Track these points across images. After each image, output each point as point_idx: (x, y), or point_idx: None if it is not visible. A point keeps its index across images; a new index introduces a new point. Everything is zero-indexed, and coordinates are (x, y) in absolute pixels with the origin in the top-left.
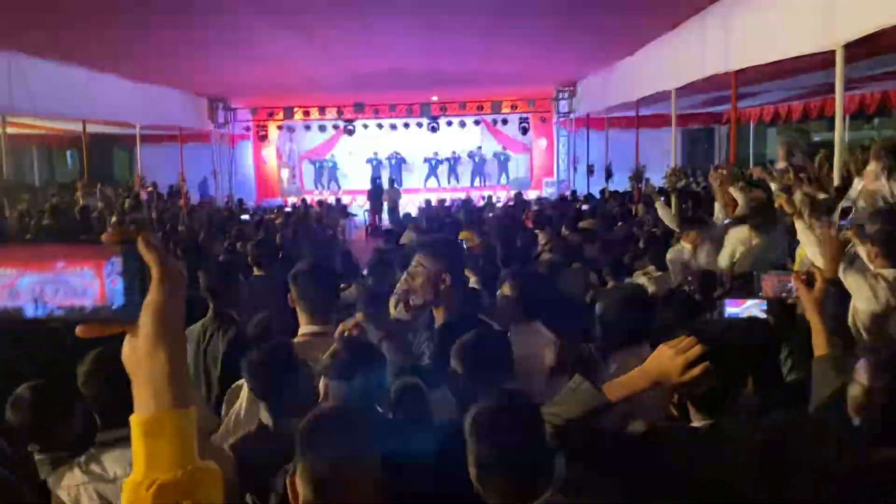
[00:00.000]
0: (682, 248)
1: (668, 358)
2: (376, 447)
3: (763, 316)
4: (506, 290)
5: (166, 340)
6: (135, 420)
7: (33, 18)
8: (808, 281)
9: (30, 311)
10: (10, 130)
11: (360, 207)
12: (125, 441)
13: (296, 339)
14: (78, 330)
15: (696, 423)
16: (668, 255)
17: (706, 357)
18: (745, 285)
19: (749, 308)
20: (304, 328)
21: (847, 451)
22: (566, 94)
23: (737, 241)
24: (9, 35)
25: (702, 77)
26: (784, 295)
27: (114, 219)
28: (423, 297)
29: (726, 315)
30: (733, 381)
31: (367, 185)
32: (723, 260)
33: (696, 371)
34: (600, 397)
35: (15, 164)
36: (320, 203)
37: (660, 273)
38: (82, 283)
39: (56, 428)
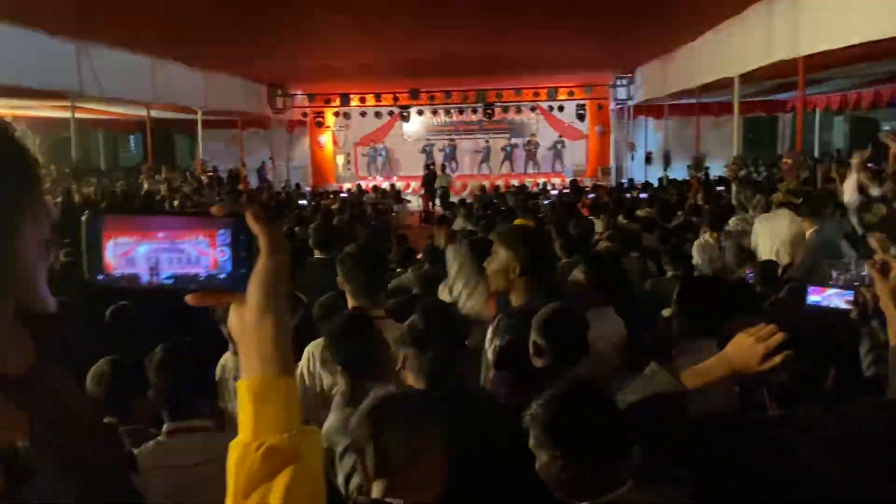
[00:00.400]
0: (706, 241)
1: (749, 346)
2: (442, 429)
3: (846, 306)
4: (578, 274)
5: (274, 310)
6: (244, 385)
7: (101, 6)
8: (883, 269)
9: (145, 278)
10: (77, 115)
11: (413, 194)
12: (190, 432)
13: None
14: (188, 298)
15: (772, 413)
16: (695, 246)
17: (787, 345)
18: (806, 275)
19: (831, 297)
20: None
21: None
22: (624, 81)
23: (774, 233)
24: (78, 24)
25: (768, 62)
26: (856, 284)
27: (176, 202)
28: (494, 285)
29: (809, 302)
30: (813, 372)
31: (422, 172)
32: (764, 252)
33: (777, 360)
34: (678, 385)
35: (82, 148)
36: (374, 189)
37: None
38: (196, 252)
39: (132, 402)
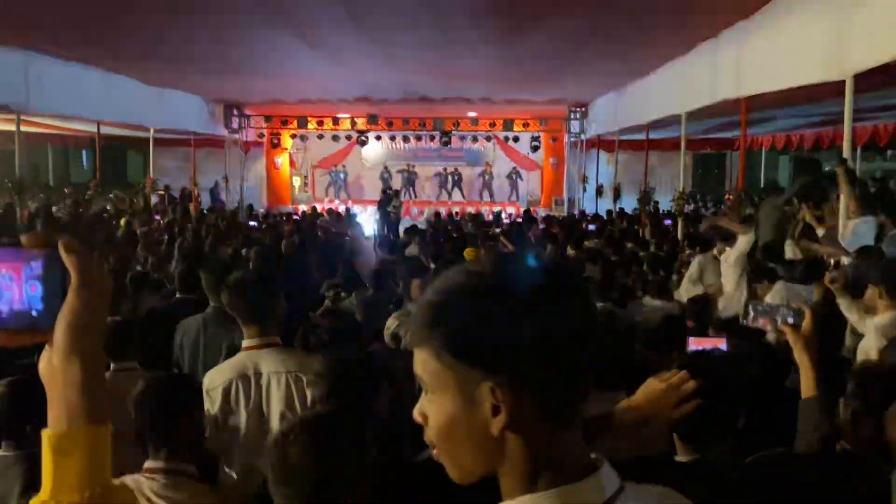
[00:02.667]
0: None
1: (660, 393)
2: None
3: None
4: None
5: (81, 352)
6: (45, 435)
7: (50, 18)
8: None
9: None
10: (25, 129)
11: (370, 217)
12: (164, 474)
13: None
14: None
15: (680, 457)
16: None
17: (700, 393)
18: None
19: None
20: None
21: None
22: (578, 115)
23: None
24: (26, 34)
25: (712, 102)
26: (768, 327)
27: (123, 221)
28: None
29: (689, 351)
30: (724, 415)
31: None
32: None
33: (689, 408)
34: None
35: (30, 162)
36: (330, 212)
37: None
38: None
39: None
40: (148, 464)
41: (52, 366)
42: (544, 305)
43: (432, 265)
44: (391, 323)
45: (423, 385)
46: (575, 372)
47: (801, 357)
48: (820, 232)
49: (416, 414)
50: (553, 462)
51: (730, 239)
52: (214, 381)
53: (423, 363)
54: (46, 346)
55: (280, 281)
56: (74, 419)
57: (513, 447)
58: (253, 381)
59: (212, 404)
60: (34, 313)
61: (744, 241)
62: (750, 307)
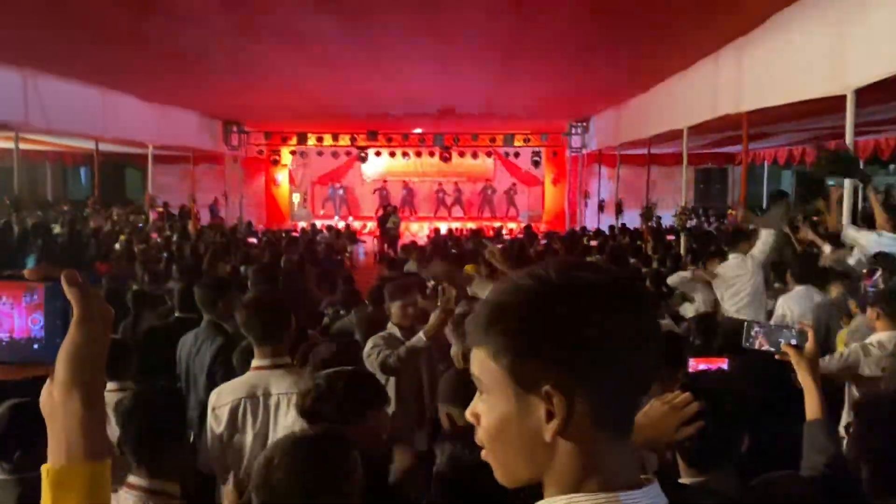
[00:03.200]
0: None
1: (663, 414)
2: None
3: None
4: None
5: (82, 386)
6: (45, 470)
7: (49, 35)
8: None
9: None
10: (23, 146)
11: (370, 235)
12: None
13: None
14: None
15: (684, 480)
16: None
17: (702, 414)
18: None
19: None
20: (255, 360)
21: None
22: (579, 129)
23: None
24: (25, 52)
25: (713, 117)
26: (773, 349)
27: (122, 238)
28: None
29: (690, 370)
30: (728, 437)
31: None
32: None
33: (691, 430)
34: None
35: (28, 179)
36: (329, 228)
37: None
38: None
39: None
40: (131, 479)
41: (53, 399)
42: (607, 310)
43: (431, 282)
44: (368, 346)
45: (478, 385)
46: (632, 380)
47: (804, 379)
48: (826, 249)
49: (469, 414)
50: (602, 471)
51: (722, 255)
52: (222, 399)
53: (481, 363)
54: (48, 380)
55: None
56: (74, 454)
57: (563, 454)
58: (262, 401)
59: (217, 423)
60: (36, 346)
61: (769, 237)
62: (752, 328)
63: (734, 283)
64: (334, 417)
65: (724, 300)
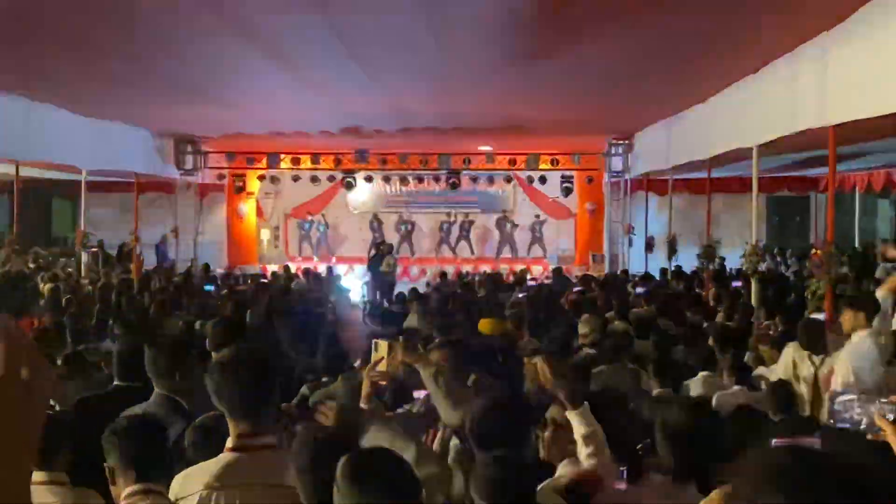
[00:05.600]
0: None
1: None
2: None
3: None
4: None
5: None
6: None
7: None
8: None
9: None
10: None
11: (358, 279)
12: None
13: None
14: None
15: None
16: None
17: None
18: None
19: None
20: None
21: None
22: (620, 149)
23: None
24: None
25: (791, 132)
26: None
27: (47, 286)
28: None
29: None
30: None
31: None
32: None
33: None
34: None
35: None
36: (307, 272)
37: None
38: None
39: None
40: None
41: None
42: None
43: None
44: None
45: None
46: None
47: None
48: None
49: None
50: None
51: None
52: (187, 488)
53: None
54: None
55: None
56: None
57: None
58: (238, 493)
59: None
60: None
61: None
62: (837, 404)
63: None
64: None
65: None
